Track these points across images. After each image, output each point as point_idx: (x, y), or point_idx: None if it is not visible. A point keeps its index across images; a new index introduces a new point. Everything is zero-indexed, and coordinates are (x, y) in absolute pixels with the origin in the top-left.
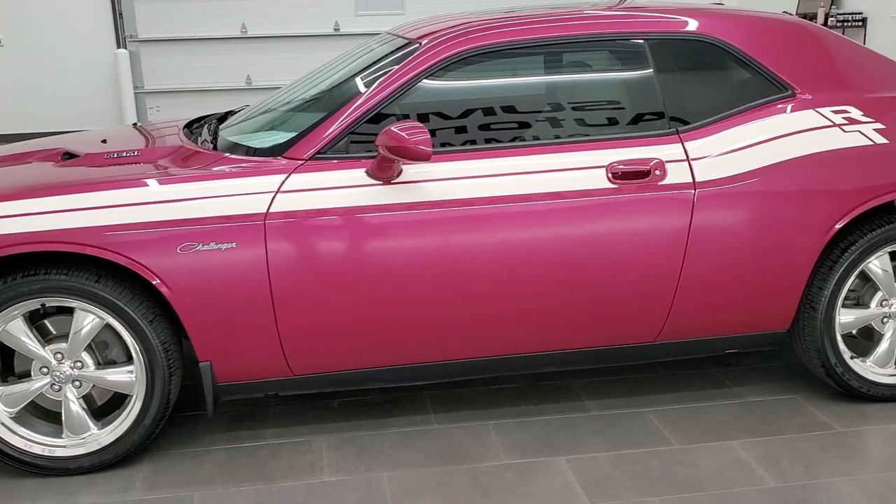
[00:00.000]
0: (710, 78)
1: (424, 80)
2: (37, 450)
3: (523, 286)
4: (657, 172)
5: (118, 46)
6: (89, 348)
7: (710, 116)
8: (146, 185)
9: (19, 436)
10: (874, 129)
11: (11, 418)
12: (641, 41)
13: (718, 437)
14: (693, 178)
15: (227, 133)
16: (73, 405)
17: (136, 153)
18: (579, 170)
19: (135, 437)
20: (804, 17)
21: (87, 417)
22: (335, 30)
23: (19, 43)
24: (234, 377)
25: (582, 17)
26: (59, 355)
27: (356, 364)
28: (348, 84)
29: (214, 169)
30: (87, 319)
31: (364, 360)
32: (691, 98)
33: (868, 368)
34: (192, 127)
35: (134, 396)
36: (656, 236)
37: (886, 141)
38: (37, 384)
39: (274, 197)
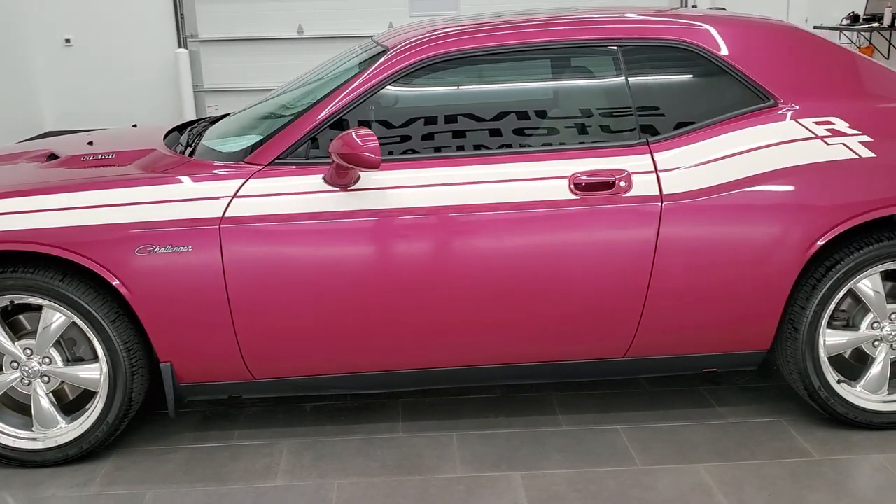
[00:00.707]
0: (687, 86)
1: (388, 88)
2: (6, 441)
3: (481, 297)
4: (622, 184)
5: (179, 46)
6: (58, 345)
7: (685, 126)
8: (108, 187)
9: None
10: (860, 142)
11: None
12: (615, 48)
13: (686, 460)
14: (660, 190)
15: (210, 136)
16: (43, 400)
17: (111, 156)
18: (540, 180)
19: (98, 434)
20: (871, 17)
21: (55, 412)
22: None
23: (87, 43)
24: (196, 378)
25: (553, 23)
26: (28, 351)
27: (316, 370)
28: (318, 90)
29: (175, 173)
30: (55, 317)
31: (324, 366)
32: (665, 107)
33: (857, 394)
34: (189, 128)
35: (98, 394)
36: (621, 250)
37: (873, 154)
38: (6, 378)
39: (230, 202)
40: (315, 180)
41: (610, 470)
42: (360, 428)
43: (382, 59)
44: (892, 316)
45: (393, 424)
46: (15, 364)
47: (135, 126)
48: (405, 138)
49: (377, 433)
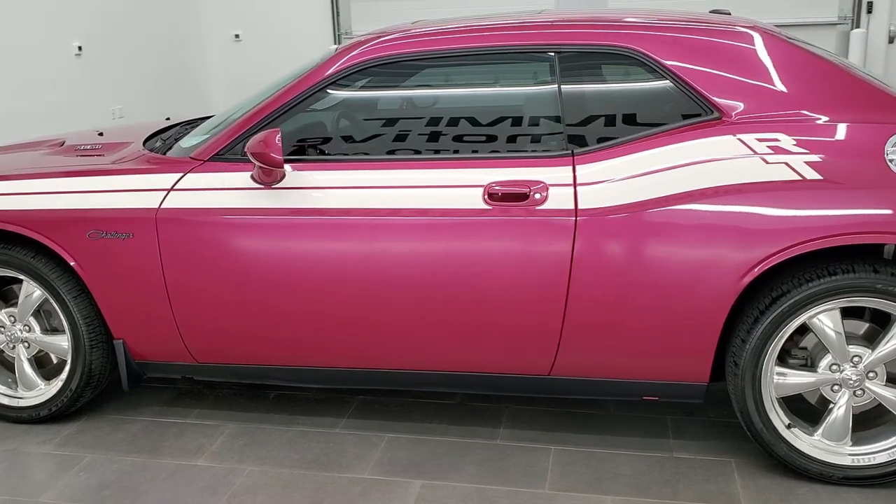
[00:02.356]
0: (627, 95)
1: (325, 90)
2: None
3: (391, 301)
4: (537, 196)
5: (335, 42)
6: (38, 315)
7: (617, 137)
8: (69, 176)
9: None
10: (805, 162)
11: None
12: (552, 54)
13: (599, 490)
14: (576, 204)
15: (193, 134)
16: (25, 364)
17: (98, 147)
18: (456, 188)
19: (63, 399)
20: None
21: (35, 376)
22: None
23: (253, 38)
24: (148, 356)
25: (494, 28)
26: (11, 318)
27: (251, 359)
28: (271, 89)
29: (130, 165)
30: (32, 290)
31: (258, 357)
32: (599, 117)
33: (814, 442)
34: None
35: (67, 362)
36: (534, 264)
37: (819, 176)
38: None
39: (167, 194)
40: (244, 177)
41: (512, 490)
42: (303, 420)
43: (321, 63)
44: (855, 359)
45: (336, 420)
46: (1, 329)
47: (167, 119)
48: (333, 140)
49: (317, 426)
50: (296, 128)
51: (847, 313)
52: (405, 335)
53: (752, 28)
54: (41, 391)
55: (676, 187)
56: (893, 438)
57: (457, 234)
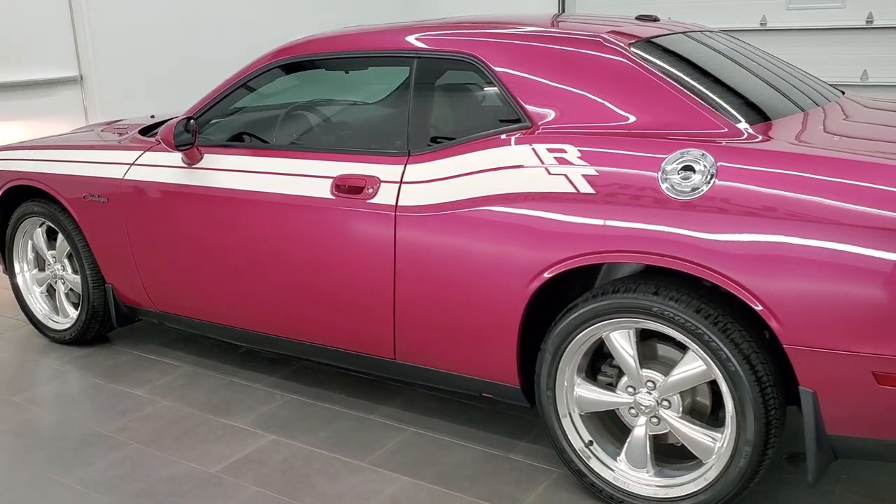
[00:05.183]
0: (464, 100)
1: (250, 83)
2: (42, 319)
3: (262, 272)
4: (369, 190)
5: None
6: (70, 258)
7: (449, 140)
8: (79, 148)
9: (41, 309)
10: (583, 175)
11: (40, 293)
12: (413, 58)
13: (406, 472)
14: (397, 200)
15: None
16: (62, 296)
17: (125, 128)
18: (311, 177)
19: (76, 328)
20: None
21: (68, 306)
22: (761, 24)
23: None
24: (130, 301)
25: (373, 33)
26: (55, 258)
27: (187, 312)
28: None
29: (119, 142)
30: (58, 238)
31: (189, 310)
32: (439, 119)
33: (615, 466)
34: None
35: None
36: (368, 254)
37: (592, 191)
38: (47, 273)
39: (129, 168)
40: (179, 156)
41: (335, 457)
42: (240, 373)
43: (254, 61)
44: (650, 384)
45: (264, 377)
46: (49, 266)
47: (152, 117)
48: (239, 129)
49: (246, 380)
50: (223, 118)
51: (664, 337)
52: (274, 304)
53: (594, 37)
54: (69, 320)
55: (477, 191)
56: (691, 475)
57: (308, 219)
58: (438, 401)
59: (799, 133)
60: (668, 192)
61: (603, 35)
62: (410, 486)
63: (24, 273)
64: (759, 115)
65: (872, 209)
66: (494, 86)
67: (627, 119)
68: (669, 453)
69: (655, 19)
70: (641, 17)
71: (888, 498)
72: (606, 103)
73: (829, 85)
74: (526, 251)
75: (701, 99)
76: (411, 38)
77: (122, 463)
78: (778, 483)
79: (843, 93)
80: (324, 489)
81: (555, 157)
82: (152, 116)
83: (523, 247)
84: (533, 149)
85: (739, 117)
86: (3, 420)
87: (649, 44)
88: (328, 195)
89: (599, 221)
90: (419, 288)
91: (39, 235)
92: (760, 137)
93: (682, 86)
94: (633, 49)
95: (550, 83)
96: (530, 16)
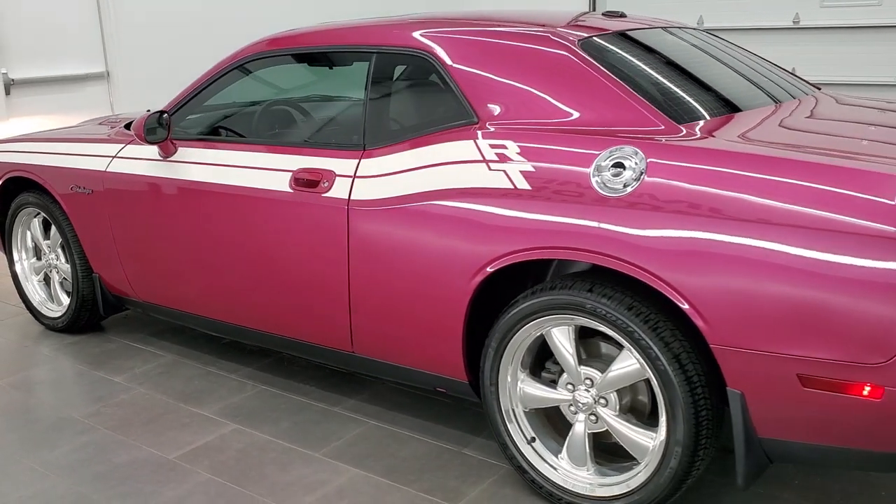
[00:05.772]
0: (419, 96)
1: (221, 79)
2: (40, 308)
3: (228, 264)
4: (324, 184)
5: None
6: (62, 248)
7: (401, 135)
8: (68, 141)
9: (37, 296)
10: (520, 171)
11: (38, 281)
12: (373, 54)
13: (356, 464)
14: (349, 194)
15: None
16: (56, 285)
17: (117, 122)
18: (272, 170)
19: (66, 316)
20: None
21: (62, 294)
22: (794, 22)
23: None
24: (116, 291)
25: (336, 30)
26: (49, 248)
27: (169, 303)
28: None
29: (107, 135)
30: (51, 228)
31: (172, 302)
32: (395, 115)
33: (557, 463)
34: None
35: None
36: (323, 247)
37: (528, 187)
38: (42, 263)
39: (111, 160)
40: (156, 149)
41: (290, 447)
42: (218, 363)
43: (220, 60)
44: (588, 381)
45: (241, 368)
46: (43, 255)
47: (147, 111)
48: (213, 123)
49: (223, 370)
50: (196, 113)
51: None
52: (241, 297)
53: (542, 33)
54: (62, 308)
55: (423, 186)
56: (626, 475)
57: (269, 212)
58: (405, 395)
59: (747, 130)
60: (598, 189)
61: (552, 31)
62: (359, 479)
63: (23, 261)
64: (710, 111)
65: (798, 207)
66: (445, 81)
67: (572, 115)
68: (615, 452)
69: (622, 15)
70: (608, 14)
71: None
72: (552, 100)
73: (806, 81)
74: (468, 246)
75: (643, 96)
76: (370, 35)
77: (86, 447)
78: (726, 487)
79: (820, 88)
80: (274, 478)
81: (496, 154)
82: (148, 111)
83: (465, 242)
84: (476, 144)
85: (682, 114)
86: None
87: (604, 40)
88: (287, 189)
89: (533, 217)
90: (371, 282)
91: (36, 225)
92: (699, 135)
93: (625, 82)
94: (581, 45)
95: (497, 79)
96: (495, 11)
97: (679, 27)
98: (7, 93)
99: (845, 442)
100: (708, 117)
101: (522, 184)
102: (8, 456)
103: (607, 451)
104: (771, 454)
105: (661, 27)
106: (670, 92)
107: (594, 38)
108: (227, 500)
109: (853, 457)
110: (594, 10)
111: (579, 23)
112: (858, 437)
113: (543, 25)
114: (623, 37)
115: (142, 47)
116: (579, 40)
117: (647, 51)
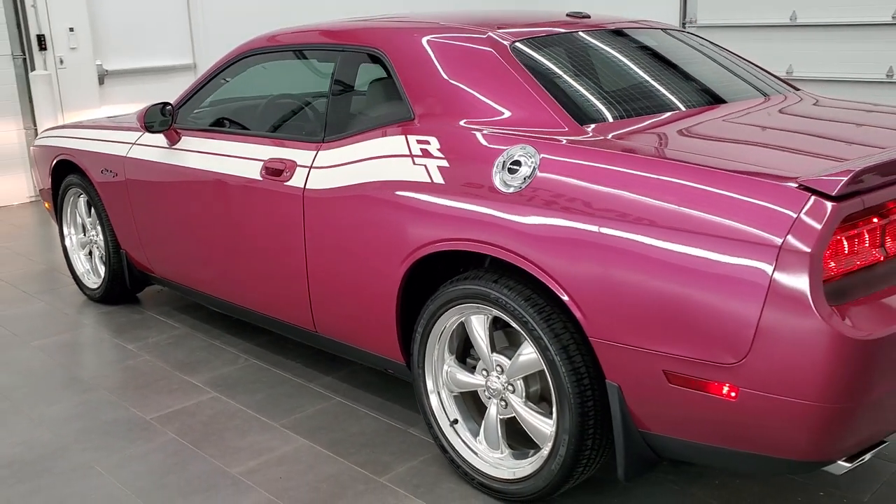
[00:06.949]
0: (375, 93)
1: (219, 76)
2: (83, 279)
3: (214, 245)
4: (287, 173)
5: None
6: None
7: (355, 129)
8: (104, 128)
9: (81, 268)
10: (438, 167)
11: (83, 255)
12: (339, 52)
13: (309, 437)
14: (305, 184)
15: None
16: (97, 259)
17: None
18: (248, 160)
19: (101, 288)
20: None
21: (102, 267)
22: (893, 17)
23: None
24: (141, 267)
25: (313, 30)
26: (91, 224)
27: (180, 279)
28: None
29: (131, 124)
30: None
31: (182, 279)
32: (353, 109)
33: (475, 446)
34: None
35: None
36: (284, 229)
37: (443, 181)
38: (88, 238)
39: (131, 147)
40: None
41: (256, 416)
42: (224, 338)
43: (219, 58)
44: (499, 368)
45: (244, 343)
46: (87, 232)
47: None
48: (212, 115)
49: (227, 345)
50: (197, 105)
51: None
52: (228, 276)
53: (479, 34)
54: (99, 279)
55: (362, 178)
56: (525, 460)
57: (243, 197)
58: (375, 375)
59: (652, 130)
60: (499, 185)
61: (489, 32)
62: (304, 448)
63: (71, 236)
64: (623, 113)
65: (669, 206)
66: (392, 79)
67: (497, 115)
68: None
69: (586, 17)
70: (571, 15)
71: None
72: (481, 99)
73: (781, 80)
74: (395, 236)
75: (557, 98)
76: (338, 35)
77: (81, 405)
78: (646, 484)
79: (798, 89)
80: (230, 443)
81: (420, 149)
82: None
83: (393, 232)
84: (406, 140)
85: (590, 116)
86: (14, 361)
87: (539, 43)
88: (257, 176)
89: (445, 211)
90: (323, 267)
91: (80, 204)
92: (595, 135)
93: (543, 85)
94: (512, 48)
95: (433, 78)
96: (462, 12)
97: (645, 28)
98: (101, 83)
99: (712, 440)
100: (618, 118)
101: (438, 178)
102: (12, 407)
103: (524, 437)
104: (654, 449)
105: (620, 28)
106: (586, 95)
107: (529, 40)
108: (181, 458)
109: (721, 455)
110: (685, 14)
111: (529, 24)
112: (723, 435)
113: (487, 27)
114: (569, 39)
115: (227, 38)
116: (512, 43)
117: (586, 53)
